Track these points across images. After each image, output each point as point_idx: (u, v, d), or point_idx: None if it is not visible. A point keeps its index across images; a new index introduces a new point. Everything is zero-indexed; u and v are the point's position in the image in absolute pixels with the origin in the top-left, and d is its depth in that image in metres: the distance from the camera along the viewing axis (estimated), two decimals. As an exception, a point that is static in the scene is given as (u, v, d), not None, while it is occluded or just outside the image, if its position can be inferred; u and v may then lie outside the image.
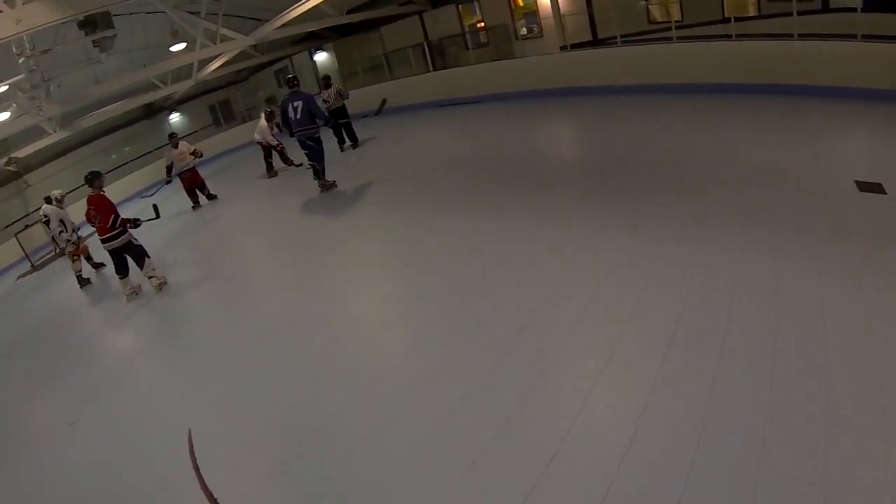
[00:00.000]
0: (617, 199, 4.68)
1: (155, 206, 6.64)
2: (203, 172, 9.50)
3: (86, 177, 5.74)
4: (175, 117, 16.83)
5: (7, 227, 12.01)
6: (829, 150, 4.87)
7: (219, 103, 17.60)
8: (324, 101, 9.14)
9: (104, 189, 5.75)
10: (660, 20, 9.61)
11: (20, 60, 6.96)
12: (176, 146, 8.67)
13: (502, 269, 3.93)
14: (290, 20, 9.44)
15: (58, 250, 9.05)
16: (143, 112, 15.58)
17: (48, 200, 8.60)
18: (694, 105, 6.89)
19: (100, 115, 12.56)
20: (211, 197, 9.32)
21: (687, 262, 3.32)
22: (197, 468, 1.85)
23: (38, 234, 10.96)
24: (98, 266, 7.72)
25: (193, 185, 9.02)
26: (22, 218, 11.80)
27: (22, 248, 10.79)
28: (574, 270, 3.64)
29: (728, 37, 6.97)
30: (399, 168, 7.86)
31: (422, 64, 12.57)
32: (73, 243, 7.35)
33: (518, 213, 4.93)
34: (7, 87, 7.39)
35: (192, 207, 9.12)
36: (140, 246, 5.76)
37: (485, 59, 11.49)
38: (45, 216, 8.24)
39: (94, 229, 5.90)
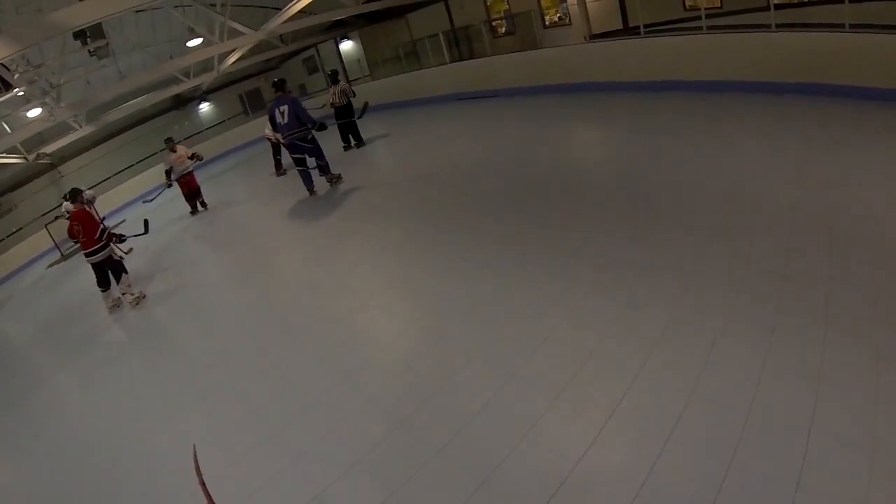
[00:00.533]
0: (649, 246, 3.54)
1: (146, 221, 6.69)
2: (226, 164, 9.49)
3: (66, 195, 5.96)
4: (205, 107, 17.04)
5: (43, 215, 12.54)
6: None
7: (247, 93, 17.66)
8: (330, 96, 8.90)
9: (91, 205, 5.95)
10: (697, 7, 8.65)
11: (15, 76, 7.08)
12: (174, 150, 8.60)
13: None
14: (295, 13, 9.02)
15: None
16: (172, 103, 15.84)
17: (66, 198, 8.98)
18: (731, 107, 5.93)
19: (126, 108, 12.78)
20: (203, 205, 9.14)
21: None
22: (203, 483, 1.84)
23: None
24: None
25: (191, 189, 8.92)
26: (55, 208, 12.20)
27: (52, 237, 11.22)
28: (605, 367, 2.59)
29: (766, 27, 6.02)
30: (394, 176, 7.39)
31: (445, 54, 12.01)
32: None
33: (525, 262, 3.81)
34: (10, 96, 7.50)
35: (191, 213, 9.04)
36: (120, 261, 5.95)
37: (510, 49, 10.85)
38: (67, 213, 8.76)
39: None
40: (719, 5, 8.27)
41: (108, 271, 5.76)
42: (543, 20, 11.08)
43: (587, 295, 3.21)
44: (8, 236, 12.67)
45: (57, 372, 5.05)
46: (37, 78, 7.85)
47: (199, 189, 9.02)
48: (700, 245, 3.36)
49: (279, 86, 7.01)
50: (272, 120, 6.98)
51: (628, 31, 9.27)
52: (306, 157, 7.10)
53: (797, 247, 3.05)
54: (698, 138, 5.31)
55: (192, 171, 8.84)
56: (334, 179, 7.39)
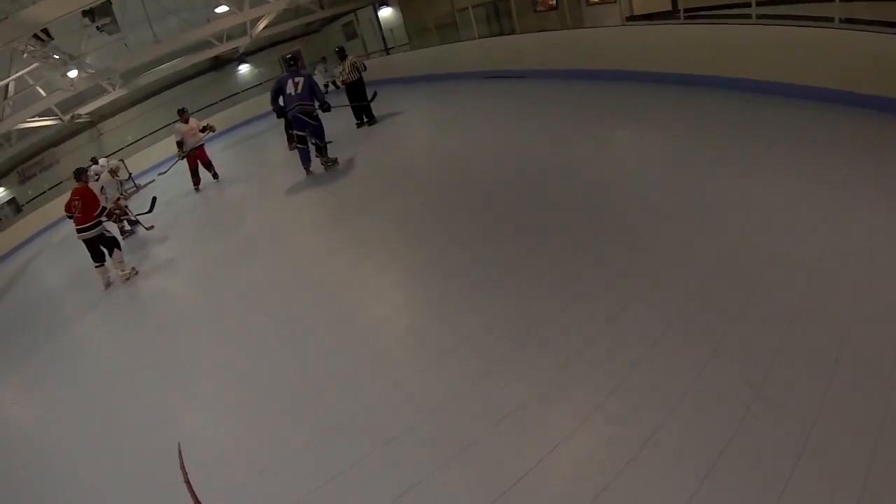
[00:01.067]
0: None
1: (153, 200, 6.75)
2: (258, 127, 9.38)
3: (93, 157, 6.83)
4: (244, 69, 16.99)
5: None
6: None
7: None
8: (339, 73, 8.45)
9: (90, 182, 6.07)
10: None
11: (24, 56, 7.32)
12: (186, 121, 8.42)
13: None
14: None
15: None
16: (211, 64, 15.86)
17: (94, 161, 9.74)
18: (780, 117, 4.81)
19: (161, 71, 12.88)
20: (216, 176, 9.08)
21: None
22: (188, 482, 1.84)
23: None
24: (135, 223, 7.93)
25: (201, 162, 8.75)
26: (88, 167, 12.62)
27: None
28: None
29: (829, 20, 4.88)
30: (388, 171, 6.69)
31: (474, 27, 11.15)
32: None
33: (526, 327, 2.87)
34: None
35: (196, 189, 8.87)
36: (113, 237, 5.98)
37: (553, 26, 9.86)
38: (96, 175, 9.01)
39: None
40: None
41: (101, 247, 5.85)
42: (587, -6, 9.95)
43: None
44: (48, 189, 13.33)
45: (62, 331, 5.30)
46: (50, 55, 7.91)
47: (210, 162, 8.91)
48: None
49: (294, 61, 7.17)
50: (279, 92, 6.85)
51: (675, 13, 8.03)
52: (307, 135, 6.98)
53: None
54: (734, 157, 4.20)
55: (202, 145, 8.69)
56: (329, 163, 7.19)
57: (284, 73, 6.99)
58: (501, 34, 10.97)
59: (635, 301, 2.78)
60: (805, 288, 2.54)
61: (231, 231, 6.41)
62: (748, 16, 5.76)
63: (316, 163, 7.26)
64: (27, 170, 13.36)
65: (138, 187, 11.99)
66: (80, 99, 11.86)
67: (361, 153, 7.59)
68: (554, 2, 10.81)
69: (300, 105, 6.73)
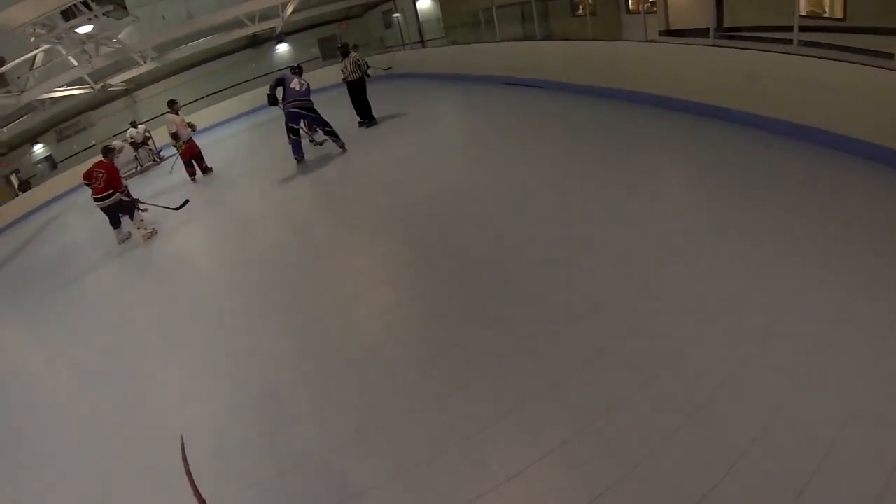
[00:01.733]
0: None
1: (185, 201, 6.85)
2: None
3: (133, 122, 7.93)
4: (282, 48, 16.98)
5: (115, 135, 13.45)
6: None
7: (324, 39, 17.28)
8: (341, 69, 8.19)
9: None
10: (819, 13, 6.29)
11: (31, 40, 7.55)
12: (177, 113, 8.41)
13: None
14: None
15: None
16: (248, 41, 15.93)
17: (133, 124, 11.61)
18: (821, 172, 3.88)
19: (194, 46, 13.02)
20: (206, 170, 8.94)
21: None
22: (189, 473, 1.76)
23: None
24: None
25: (192, 154, 8.73)
26: (122, 131, 12.93)
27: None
28: None
29: (888, 57, 3.76)
30: (362, 186, 6.33)
31: (496, 30, 10.56)
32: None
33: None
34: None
35: (192, 179, 8.85)
36: (130, 202, 6.51)
37: (587, 34, 9.08)
38: (131, 138, 11.26)
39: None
40: (841, 16, 6.04)
41: (118, 214, 6.50)
42: (627, 2, 9.19)
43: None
44: (83, 150, 13.84)
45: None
46: (63, 36, 8.08)
47: (200, 153, 8.86)
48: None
49: (298, 68, 7.68)
50: (281, 83, 7.16)
51: (721, 31, 6.93)
52: (300, 128, 7.52)
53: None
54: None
55: (191, 137, 8.73)
56: (341, 146, 7.62)
57: (290, 73, 7.44)
58: (532, 38, 10.32)
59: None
60: None
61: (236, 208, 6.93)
62: (788, 41, 4.77)
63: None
64: (64, 130, 13.90)
65: (162, 158, 12.24)
66: (110, 70, 12.12)
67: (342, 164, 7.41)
68: (591, 5, 10.09)
69: (300, 101, 7.10)
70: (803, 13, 5.80)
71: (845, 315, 2.42)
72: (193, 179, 8.80)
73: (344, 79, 8.23)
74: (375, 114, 8.78)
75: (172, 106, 8.48)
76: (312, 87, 7.59)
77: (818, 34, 5.29)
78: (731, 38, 6.52)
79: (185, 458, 1.96)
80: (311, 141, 8.26)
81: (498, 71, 9.93)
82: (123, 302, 5.05)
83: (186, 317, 4.21)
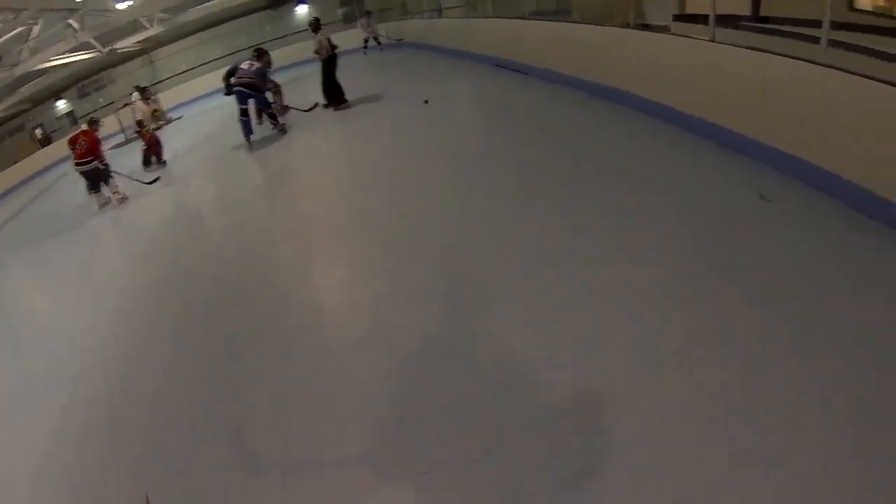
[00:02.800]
0: None
1: (156, 179, 7.64)
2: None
3: (136, 86, 8.04)
4: (303, 10, 16.61)
5: (130, 94, 13.81)
6: None
7: (343, 1, 16.72)
8: (315, 52, 7.81)
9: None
10: (872, 9, 4.31)
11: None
12: (147, 101, 8.23)
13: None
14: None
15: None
16: (268, 2, 15.68)
17: (138, 88, 10.66)
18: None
19: (202, 9, 12.94)
20: (160, 161, 8.62)
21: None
22: None
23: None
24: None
25: (150, 142, 8.56)
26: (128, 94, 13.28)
27: (120, 122, 12.35)
28: None
29: None
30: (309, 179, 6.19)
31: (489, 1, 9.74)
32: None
33: None
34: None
35: (144, 167, 8.54)
36: (106, 169, 7.07)
37: (601, 13, 7.91)
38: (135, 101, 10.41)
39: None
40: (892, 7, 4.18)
41: (96, 180, 7.07)
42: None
43: None
44: (102, 108, 14.33)
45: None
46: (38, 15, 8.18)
47: (158, 140, 8.68)
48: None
49: (259, 54, 7.60)
50: (233, 71, 7.31)
51: (756, 20, 5.34)
52: (248, 108, 7.49)
53: None
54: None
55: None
56: (280, 129, 7.77)
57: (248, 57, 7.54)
58: (551, 15, 9.37)
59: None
60: None
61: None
62: (815, 39, 3.24)
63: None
64: (86, 87, 14.42)
65: (168, 121, 12.51)
66: (120, 34, 12.23)
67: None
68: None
69: (246, 79, 7.15)
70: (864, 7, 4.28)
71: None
72: (147, 167, 8.62)
73: (316, 52, 7.77)
74: (361, 90, 8.49)
75: (143, 92, 8.44)
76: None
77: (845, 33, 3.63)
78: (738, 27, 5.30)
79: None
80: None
81: (491, 50, 9.25)
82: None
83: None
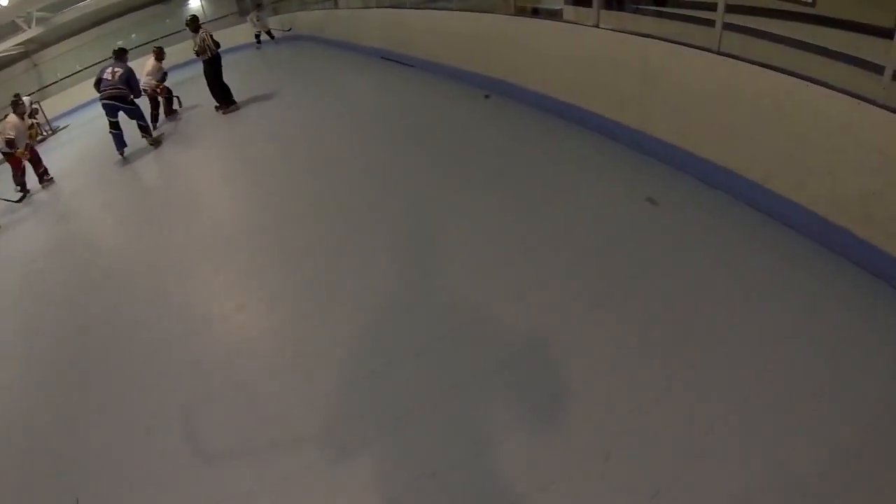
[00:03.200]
0: None
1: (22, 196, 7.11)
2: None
3: (13, 102, 7.01)
4: (194, 3, 16.01)
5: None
6: None
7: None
8: (196, 52, 7.69)
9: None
10: None
11: None
12: (21, 116, 6.94)
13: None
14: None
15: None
16: (153, -3, 15.05)
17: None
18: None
19: (84, 7, 12.36)
20: (46, 178, 7.41)
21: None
22: None
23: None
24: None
25: (31, 160, 7.19)
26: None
27: None
28: None
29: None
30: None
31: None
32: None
33: None
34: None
35: (20, 193, 7.10)
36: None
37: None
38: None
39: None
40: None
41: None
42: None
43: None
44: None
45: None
46: None
47: (38, 158, 7.34)
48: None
49: (119, 54, 7.18)
50: (99, 81, 6.94)
51: (657, 2, 5.00)
52: (119, 121, 7.05)
53: None
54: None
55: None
56: (153, 142, 7.46)
57: (109, 64, 7.11)
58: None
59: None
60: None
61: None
62: (710, 22, 3.03)
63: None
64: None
65: (54, 130, 11.91)
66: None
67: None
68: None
69: (112, 90, 6.81)
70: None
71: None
72: (23, 195, 7.12)
73: (196, 52, 7.57)
74: (250, 90, 8.48)
75: (16, 107, 6.97)
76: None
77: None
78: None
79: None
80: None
81: (381, 42, 9.55)
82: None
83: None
